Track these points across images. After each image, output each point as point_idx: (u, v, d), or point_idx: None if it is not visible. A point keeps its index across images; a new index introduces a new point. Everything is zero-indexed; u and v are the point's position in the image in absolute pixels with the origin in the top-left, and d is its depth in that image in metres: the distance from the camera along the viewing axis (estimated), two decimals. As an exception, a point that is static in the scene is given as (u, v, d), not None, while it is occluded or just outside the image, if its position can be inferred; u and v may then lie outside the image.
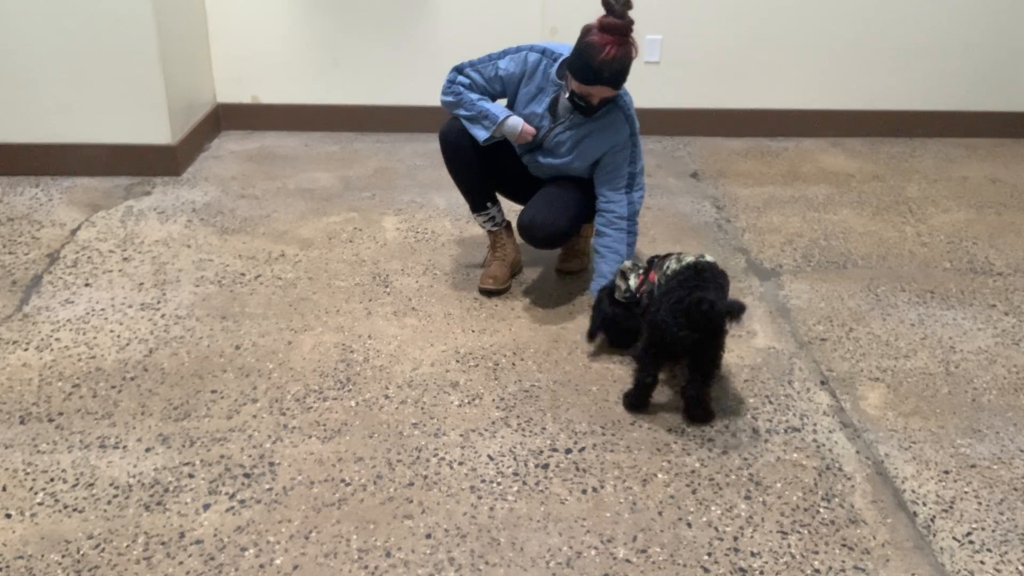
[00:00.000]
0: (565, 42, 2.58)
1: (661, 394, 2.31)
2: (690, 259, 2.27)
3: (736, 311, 2.06)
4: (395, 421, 2.19)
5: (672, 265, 2.28)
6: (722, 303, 2.08)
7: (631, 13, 2.37)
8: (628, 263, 2.49)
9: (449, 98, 2.63)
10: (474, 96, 2.60)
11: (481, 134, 2.60)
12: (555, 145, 2.63)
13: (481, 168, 2.73)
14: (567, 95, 2.50)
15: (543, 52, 2.57)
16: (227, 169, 3.82)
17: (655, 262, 2.40)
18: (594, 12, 2.38)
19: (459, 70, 2.63)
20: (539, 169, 2.75)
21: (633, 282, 2.40)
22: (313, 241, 3.15)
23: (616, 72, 2.38)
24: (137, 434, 2.12)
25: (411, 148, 4.12)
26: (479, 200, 2.80)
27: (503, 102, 2.66)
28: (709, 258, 2.30)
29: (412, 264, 3.00)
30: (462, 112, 2.62)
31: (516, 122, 2.58)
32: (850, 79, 4.31)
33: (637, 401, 2.23)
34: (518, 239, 2.85)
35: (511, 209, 2.95)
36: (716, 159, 4.08)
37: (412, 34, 4.15)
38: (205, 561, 1.75)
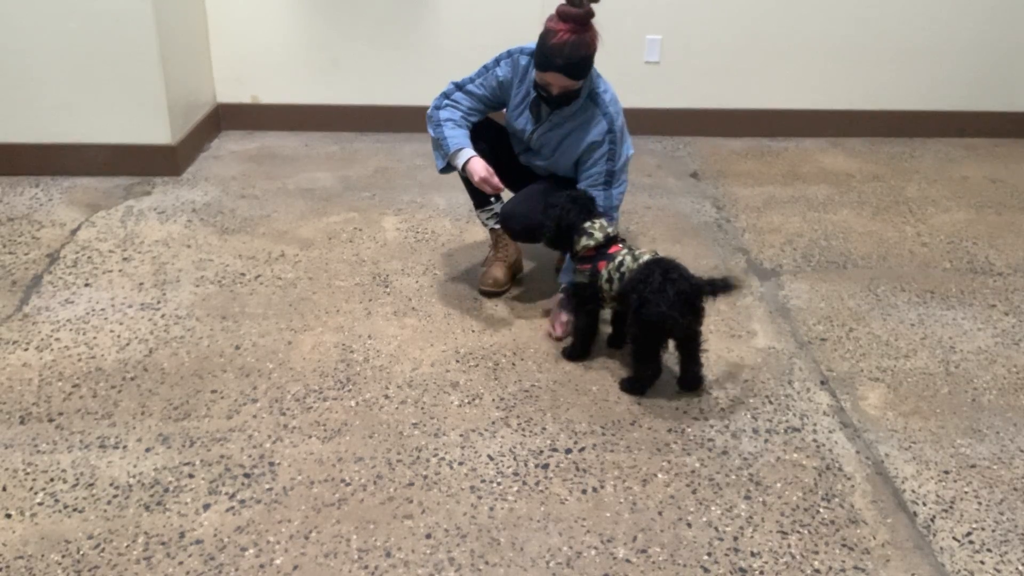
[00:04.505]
0: None
1: (661, 393, 2.31)
2: (647, 256, 2.30)
3: (728, 285, 2.22)
4: (395, 421, 2.19)
5: (628, 263, 2.30)
6: (708, 282, 2.23)
7: (595, 6, 2.34)
8: (604, 225, 2.41)
9: (430, 110, 2.60)
10: (445, 115, 2.54)
11: (438, 162, 2.59)
12: (540, 146, 2.62)
13: (488, 163, 2.72)
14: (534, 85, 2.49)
15: (531, 54, 2.56)
16: (227, 169, 3.82)
17: (603, 251, 2.38)
18: (594, 12, 2.38)
19: (459, 86, 2.59)
20: (534, 169, 2.75)
21: (599, 238, 2.37)
22: (313, 241, 3.15)
23: (570, 60, 2.34)
24: (137, 434, 2.12)
25: (411, 148, 4.11)
26: (483, 195, 2.79)
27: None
28: (660, 253, 2.35)
29: (412, 264, 3.00)
30: (431, 131, 2.58)
31: (464, 157, 2.51)
32: (850, 79, 4.31)
33: (643, 390, 2.32)
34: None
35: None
36: (716, 159, 4.08)
37: (412, 34, 4.15)
38: (205, 561, 1.75)
